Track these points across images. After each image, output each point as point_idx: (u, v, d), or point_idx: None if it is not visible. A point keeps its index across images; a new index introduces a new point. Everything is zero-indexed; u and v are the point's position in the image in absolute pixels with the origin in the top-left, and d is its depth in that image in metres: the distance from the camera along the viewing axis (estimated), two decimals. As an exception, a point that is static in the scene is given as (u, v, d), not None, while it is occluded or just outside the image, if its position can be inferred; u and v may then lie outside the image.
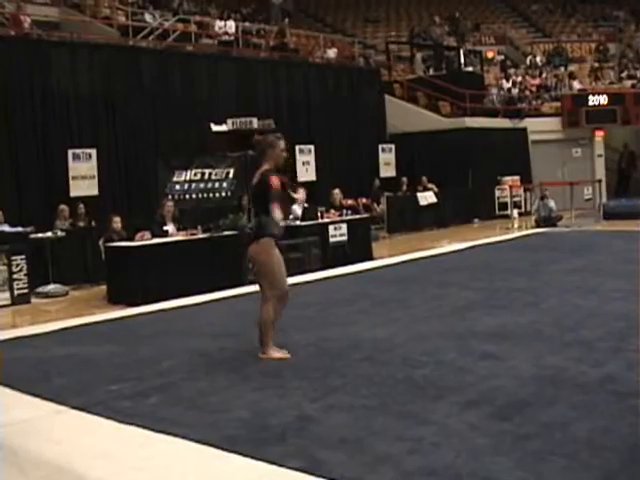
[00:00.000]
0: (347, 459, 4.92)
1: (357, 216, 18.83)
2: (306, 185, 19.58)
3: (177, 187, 16.30)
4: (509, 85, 32.17)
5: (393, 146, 26.36)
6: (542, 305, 9.90)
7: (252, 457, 5.01)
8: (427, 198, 25.07)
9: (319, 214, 17.35)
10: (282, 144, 7.94)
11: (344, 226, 17.29)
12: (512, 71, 33.55)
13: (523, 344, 7.76)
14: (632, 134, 31.20)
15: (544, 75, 33.10)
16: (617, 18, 37.59)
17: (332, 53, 27.94)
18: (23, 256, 14.19)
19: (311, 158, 22.80)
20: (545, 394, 6.06)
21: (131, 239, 14.39)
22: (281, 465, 4.85)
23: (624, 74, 32.64)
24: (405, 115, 28.28)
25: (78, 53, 18.60)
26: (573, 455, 4.80)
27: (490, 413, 5.67)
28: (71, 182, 17.05)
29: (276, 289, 7.70)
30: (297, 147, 22.28)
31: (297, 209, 17.13)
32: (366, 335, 8.62)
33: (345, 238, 17.22)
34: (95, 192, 17.38)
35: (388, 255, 18.01)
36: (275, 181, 7.63)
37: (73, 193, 17.04)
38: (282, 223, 7.82)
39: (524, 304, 10.02)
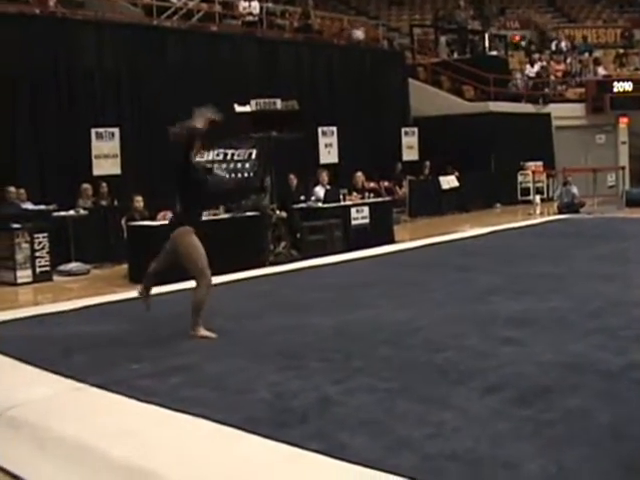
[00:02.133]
0: (368, 442, 4.91)
1: (379, 199, 18.82)
2: (329, 167, 19.63)
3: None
4: (533, 70, 31.97)
5: (416, 129, 26.27)
6: (565, 291, 9.83)
7: (273, 439, 5.00)
8: (449, 182, 25.01)
9: (341, 196, 17.34)
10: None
11: (366, 209, 17.28)
12: (536, 56, 33.33)
13: (545, 330, 7.71)
14: (657, 121, 30.99)
15: (569, 61, 32.89)
16: (643, 4, 37.31)
17: (360, 34, 27.78)
18: (45, 234, 14.26)
19: (334, 140, 22.75)
20: (567, 381, 6.02)
21: (153, 218, 14.42)
22: (302, 447, 4.84)
23: (650, 60, 32.43)
24: (428, 99, 28.15)
25: (102, 32, 18.59)
26: (595, 443, 4.76)
27: (511, 399, 5.64)
28: (94, 161, 17.07)
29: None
30: (320, 129, 22.26)
31: (319, 191, 17.15)
32: (388, 318, 8.59)
33: (367, 221, 17.22)
34: (118, 171, 17.40)
35: (410, 238, 17.99)
36: None
37: (96, 172, 17.07)
38: None
39: (547, 290, 9.96)
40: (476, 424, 5.14)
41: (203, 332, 8.12)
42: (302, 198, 17.17)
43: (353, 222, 16.95)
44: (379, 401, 5.71)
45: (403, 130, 25.80)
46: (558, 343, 7.14)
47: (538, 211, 24.28)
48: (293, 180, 17.74)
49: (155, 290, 8.97)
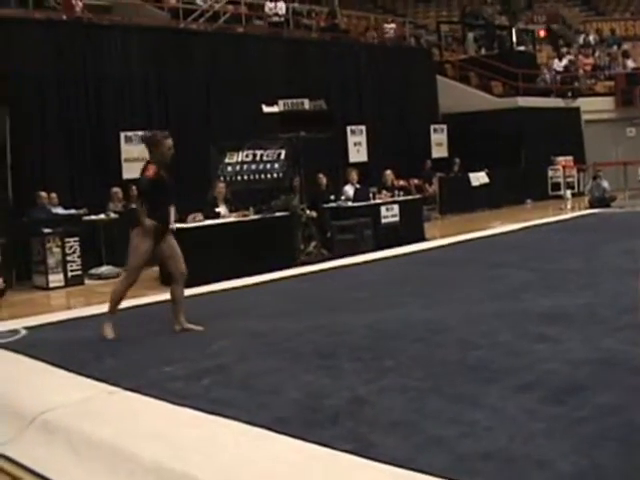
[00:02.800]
0: (400, 441, 4.89)
1: (409, 197, 18.79)
2: (358, 166, 19.63)
3: (229, 169, 16.35)
4: (561, 64, 31.80)
5: (445, 126, 26.22)
6: (597, 287, 9.77)
7: (304, 439, 5.00)
8: (479, 179, 24.93)
9: (371, 195, 17.32)
10: (169, 143, 8.80)
11: (396, 207, 17.25)
12: (564, 50, 33.15)
13: (578, 326, 7.66)
14: (688, 113, 30.74)
15: (597, 54, 32.70)
16: (672, -5, 36.99)
17: (391, 31, 27.75)
18: (76, 238, 14.35)
19: (362, 139, 22.76)
20: (600, 378, 5.98)
21: (183, 221, 14.44)
22: (333, 447, 4.83)
23: (679, 52, 32.19)
24: (457, 95, 28.04)
25: (129, 36, 18.67)
26: (628, 440, 4.71)
27: (544, 397, 5.60)
28: (124, 164, 17.12)
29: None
30: (348, 128, 22.28)
31: (349, 190, 17.14)
32: (419, 316, 8.57)
33: (397, 219, 17.19)
34: (147, 174, 17.44)
35: (440, 236, 17.93)
36: (149, 170, 8.62)
37: (126, 175, 17.10)
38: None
39: (579, 286, 9.91)
40: (509, 423, 5.11)
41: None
42: (332, 197, 17.17)
43: (383, 220, 16.92)
44: (410, 400, 5.70)
45: (432, 127, 25.75)
46: (590, 339, 7.08)
47: (569, 206, 24.16)
48: (322, 179, 17.73)
49: (188, 292, 9.03)
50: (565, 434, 4.85)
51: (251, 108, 17.34)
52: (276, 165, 16.45)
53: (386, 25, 27.79)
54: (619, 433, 4.81)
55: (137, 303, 10.65)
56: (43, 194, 15.50)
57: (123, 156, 17.12)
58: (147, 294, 11.85)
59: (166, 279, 13.20)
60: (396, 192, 18.28)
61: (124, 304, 10.43)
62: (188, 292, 10.23)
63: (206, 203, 14.48)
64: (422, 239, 17.17)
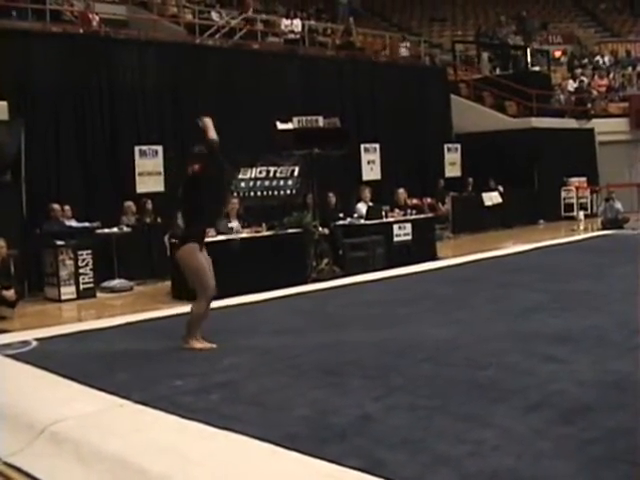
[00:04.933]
0: (407, 459, 4.91)
1: (422, 216, 18.78)
2: (371, 184, 19.65)
3: (242, 184, 16.42)
4: (576, 85, 31.82)
5: (459, 146, 26.21)
6: (607, 308, 9.77)
7: (312, 455, 5.02)
8: (492, 198, 24.92)
9: (384, 213, 17.34)
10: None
11: (408, 225, 17.26)
12: (579, 71, 33.18)
13: (587, 348, 7.67)
14: (702, 136, 30.69)
15: (612, 75, 32.71)
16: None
17: (405, 50, 27.85)
18: (89, 251, 14.40)
19: (376, 157, 22.77)
20: (609, 399, 5.98)
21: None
22: (341, 464, 4.85)
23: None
24: (471, 115, 28.06)
25: (145, 51, 18.74)
26: (636, 462, 4.72)
27: (552, 417, 5.61)
28: (137, 178, 17.17)
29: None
30: (362, 146, 22.27)
31: (362, 208, 17.16)
32: (429, 335, 8.58)
33: (409, 237, 17.20)
34: (161, 188, 17.49)
35: (452, 255, 17.92)
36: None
37: (139, 189, 17.17)
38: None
39: (589, 307, 9.91)
40: (517, 442, 5.12)
41: (198, 344, 8.45)
42: (341, 215, 17.16)
43: (395, 239, 16.93)
44: (418, 419, 5.71)
45: (445, 146, 25.75)
46: (599, 361, 7.09)
47: (582, 227, 24.12)
48: (332, 198, 17.73)
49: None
50: (573, 455, 4.86)
51: (265, 124, 17.38)
52: (289, 182, 16.51)
53: (400, 44, 27.88)
54: (628, 455, 4.82)
55: (149, 317, 10.69)
56: (57, 207, 15.55)
57: (137, 170, 17.17)
58: (160, 308, 11.89)
59: (178, 293, 13.29)
60: (409, 211, 18.29)
61: (136, 318, 10.49)
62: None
63: (219, 218, 14.51)
64: (434, 258, 17.17)
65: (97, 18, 19.83)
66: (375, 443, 5.21)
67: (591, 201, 27.85)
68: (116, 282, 15.00)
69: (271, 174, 16.49)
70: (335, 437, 5.39)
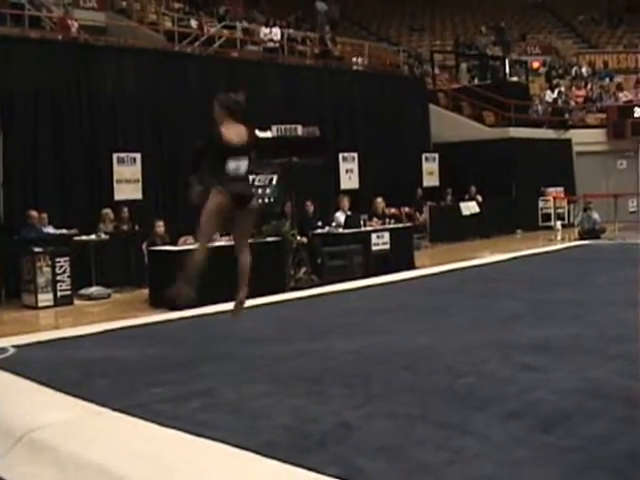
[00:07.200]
0: (387, 467, 4.89)
1: (400, 225, 18.85)
2: (349, 193, 19.67)
3: (221, 193, 16.32)
4: (554, 96, 31.98)
5: (437, 155, 26.33)
6: (586, 317, 9.79)
7: (291, 463, 4.99)
8: (470, 208, 25.02)
9: (362, 222, 17.36)
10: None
11: (387, 234, 17.31)
12: (557, 82, 33.34)
13: (566, 356, 7.67)
14: (679, 147, 30.89)
15: (589, 86, 32.89)
16: (664, 29, 37.29)
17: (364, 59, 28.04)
18: (67, 258, 14.37)
19: (354, 166, 22.83)
20: (588, 407, 5.99)
21: (174, 243, 14.47)
22: (320, 472, 4.83)
23: (671, 86, 32.36)
24: (449, 124, 28.18)
25: (124, 58, 18.73)
26: (615, 470, 4.72)
27: (532, 425, 5.60)
28: (115, 186, 17.16)
29: None
30: (340, 155, 22.33)
31: (340, 217, 17.18)
32: (408, 343, 8.57)
33: (387, 246, 17.24)
34: (139, 196, 17.49)
35: (430, 264, 17.94)
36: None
37: (117, 197, 17.15)
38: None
39: (568, 316, 9.92)
40: (496, 450, 5.11)
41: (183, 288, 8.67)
42: (319, 224, 17.17)
43: (374, 248, 16.96)
44: (398, 427, 5.70)
45: (424, 156, 25.86)
46: (579, 369, 7.10)
47: (559, 237, 24.26)
48: (310, 207, 17.77)
49: (177, 314, 9.03)
50: (552, 462, 4.86)
51: (244, 133, 17.36)
52: (268, 190, 16.46)
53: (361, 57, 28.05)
54: (607, 463, 4.81)
55: (127, 324, 10.64)
56: (34, 213, 15.51)
57: (115, 177, 17.16)
58: (137, 315, 11.85)
59: (155, 301, 13.26)
60: (387, 220, 18.33)
61: (113, 325, 10.43)
62: (175, 315, 10.25)
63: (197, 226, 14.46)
64: (412, 267, 17.21)
65: (76, 25, 19.80)
66: (355, 451, 5.19)
67: (568, 211, 28.01)
68: (93, 289, 14.96)
69: (250, 182, 16.43)
70: (314, 445, 5.37)
